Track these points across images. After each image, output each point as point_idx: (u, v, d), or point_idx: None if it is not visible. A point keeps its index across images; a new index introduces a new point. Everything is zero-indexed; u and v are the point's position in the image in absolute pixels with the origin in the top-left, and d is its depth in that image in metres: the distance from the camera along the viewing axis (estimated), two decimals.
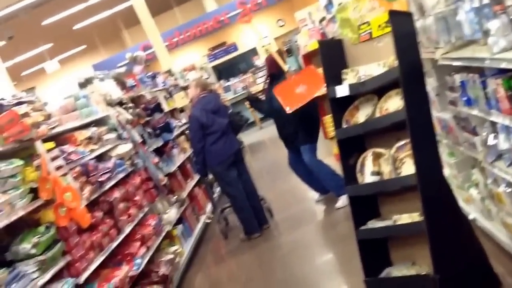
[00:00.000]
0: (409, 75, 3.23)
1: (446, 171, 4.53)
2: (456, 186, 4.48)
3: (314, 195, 6.90)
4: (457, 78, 3.69)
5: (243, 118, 6.72)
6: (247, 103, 6.93)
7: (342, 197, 6.22)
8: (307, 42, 7.91)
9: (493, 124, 3.40)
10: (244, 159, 6.80)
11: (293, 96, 6.17)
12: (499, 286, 3.44)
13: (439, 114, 4.37)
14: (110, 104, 6.10)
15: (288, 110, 6.10)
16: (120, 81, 6.95)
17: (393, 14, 3.27)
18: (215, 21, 19.62)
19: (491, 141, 3.44)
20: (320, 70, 6.16)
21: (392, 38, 3.21)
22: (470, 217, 4.16)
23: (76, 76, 6.32)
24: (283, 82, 6.25)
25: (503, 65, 2.80)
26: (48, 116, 4.56)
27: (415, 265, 3.44)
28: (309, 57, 8.19)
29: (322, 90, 6.19)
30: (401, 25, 3.29)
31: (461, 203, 4.24)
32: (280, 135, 6.63)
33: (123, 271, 4.65)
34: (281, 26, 20.80)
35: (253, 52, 20.25)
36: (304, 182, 6.85)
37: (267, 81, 6.67)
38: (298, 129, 6.31)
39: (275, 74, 6.48)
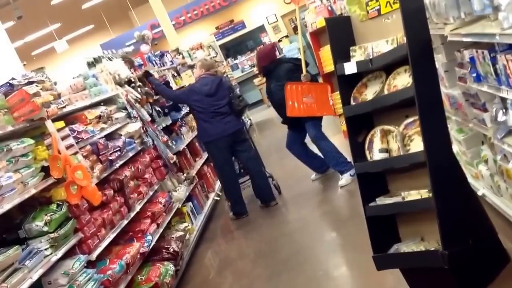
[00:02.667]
0: (417, 51, 3.21)
1: (455, 148, 4.53)
2: (465, 162, 4.48)
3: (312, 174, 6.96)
4: (466, 54, 3.67)
5: (242, 102, 6.62)
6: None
7: (344, 175, 6.29)
8: (315, 19, 7.88)
9: (503, 100, 3.38)
10: (246, 138, 6.80)
11: (299, 102, 6.28)
12: (508, 261, 3.46)
13: (448, 90, 4.35)
14: (119, 83, 6.12)
15: (288, 113, 6.34)
16: (128, 60, 6.96)
17: None
18: None
19: (500, 117, 3.43)
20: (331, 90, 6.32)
21: (401, 14, 3.19)
22: (479, 193, 4.17)
23: (84, 55, 6.34)
24: (298, 82, 6.27)
25: None
26: (58, 96, 4.59)
27: (423, 241, 3.46)
28: (316, 35, 8.17)
29: (324, 113, 6.43)
30: (410, 1, 3.26)
31: (470, 179, 4.25)
32: (284, 121, 6.72)
33: (134, 248, 4.71)
34: (288, 3, 20.64)
35: (261, 29, 20.17)
36: (302, 161, 6.91)
37: (262, 76, 6.78)
38: None
39: (267, 67, 6.51)
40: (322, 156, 6.66)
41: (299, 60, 6.81)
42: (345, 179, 6.29)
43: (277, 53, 6.91)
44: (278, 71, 6.49)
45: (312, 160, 6.83)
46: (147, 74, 6.88)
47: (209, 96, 6.43)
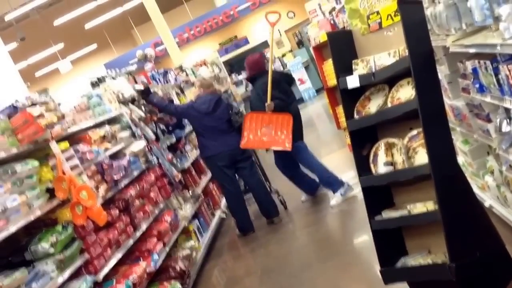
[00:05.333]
0: (420, 63, 3.21)
1: (461, 159, 4.51)
2: (471, 173, 4.46)
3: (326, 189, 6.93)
4: (469, 65, 3.66)
5: (240, 118, 6.60)
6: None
7: (336, 195, 6.33)
8: (318, 34, 7.90)
9: (507, 110, 3.37)
10: (249, 155, 6.81)
11: (255, 135, 6.32)
12: None
13: (452, 101, 4.34)
14: (123, 102, 6.13)
15: (241, 145, 6.35)
16: (132, 79, 6.97)
17: (402, 2, 3.25)
18: (225, 16, 19.63)
19: (505, 127, 3.41)
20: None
21: (402, 27, 3.19)
22: (486, 204, 4.14)
23: (88, 75, 6.36)
24: (259, 112, 6.32)
25: None
26: (62, 116, 4.59)
27: (430, 254, 3.43)
28: (319, 49, 8.18)
29: (280, 147, 6.33)
30: (411, 14, 3.27)
31: (477, 191, 4.23)
32: None
33: (141, 268, 4.68)
34: (291, 18, 20.75)
35: (265, 45, 20.23)
36: (293, 182, 6.92)
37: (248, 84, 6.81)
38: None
39: (253, 77, 6.58)
40: (317, 176, 6.67)
41: (289, 76, 6.90)
42: (335, 199, 6.33)
43: (265, 61, 6.84)
44: (261, 83, 6.45)
45: (302, 181, 6.86)
46: (146, 93, 6.65)
47: (207, 115, 6.45)
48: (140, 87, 6.59)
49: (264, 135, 6.27)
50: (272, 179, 7.49)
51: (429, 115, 3.19)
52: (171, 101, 7.75)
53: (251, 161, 6.81)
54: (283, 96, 6.45)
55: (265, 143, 6.35)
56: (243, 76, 19.20)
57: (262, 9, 19.88)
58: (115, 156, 5.31)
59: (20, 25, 15.17)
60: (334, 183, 6.39)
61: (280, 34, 20.54)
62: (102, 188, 4.70)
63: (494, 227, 3.45)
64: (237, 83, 18.43)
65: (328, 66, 7.86)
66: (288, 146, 6.27)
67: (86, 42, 20.79)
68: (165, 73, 8.99)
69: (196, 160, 7.89)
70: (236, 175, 6.82)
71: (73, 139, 4.82)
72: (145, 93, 6.62)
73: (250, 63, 6.64)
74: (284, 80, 6.70)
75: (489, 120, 3.70)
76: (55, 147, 4.18)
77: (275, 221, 6.63)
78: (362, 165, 3.56)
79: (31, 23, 15.57)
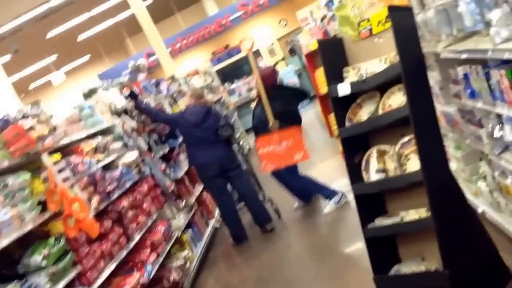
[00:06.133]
0: (411, 70, 3.22)
1: (454, 165, 4.51)
2: (464, 179, 4.45)
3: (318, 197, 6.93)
4: (460, 70, 3.67)
5: (225, 131, 6.57)
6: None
7: (329, 203, 6.36)
8: (310, 41, 7.90)
9: (498, 116, 3.37)
10: (238, 164, 6.82)
11: (272, 155, 6.29)
12: (510, 278, 3.41)
13: (444, 107, 4.34)
14: (115, 113, 6.10)
15: (263, 168, 6.36)
16: (124, 90, 6.94)
17: (392, 9, 3.26)
18: (217, 25, 19.65)
19: (497, 133, 3.42)
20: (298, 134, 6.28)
21: (393, 33, 3.20)
22: (479, 210, 4.14)
23: (81, 87, 6.34)
24: (266, 135, 6.32)
25: (506, 56, 2.79)
26: (54, 129, 4.57)
27: (424, 261, 3.43)
28: (312, 56, 8.18)
29: (299, 158, 6.30)
30: (401, 20, 3.28)
31: (470, 197, 4.22)
32: None
33: (135, 279, 4.65)
34: (284, 26, 20.78)
35: (257, 54, 20.26)
36: (287, 189, 6.90)
37: (257, 99, 6.78)
38: None
39: (268, 91, 6.51)
40: (306, 191, 6.73)
41: (296, 89, 6.90)
42: (329, 206, 6.35)
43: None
44: (277, 96, 6.47)
45: (296, 189, 6.85)
46: (132, 96, 6.63)
47: (196, 126, 6.45)
48: (126, 93, 6.57)
49: (279, 154, 6.28)
50: (266, 188, 7.47)
51: (421, 122, 3.20)
52: (163, 111, 7.72)
53: (241, 170, 6.81)
54: (285, 105, 6.48)
55: (284, 161, 6.33)
56: (236, 85, 19.20)
57: (254, 18, 19.91)
58: (107, 167, 5.29)
59: (14, 37, 15.12)
60: (327, 194, 6.44)
61: (272, 43, 20.58)
62: (95, 199, 4.67)
63: (487, 233, 3.44)
64: (230, 92, 18.42)
65: (320, 74, 7.87)
66: (306, 155, 6.29)
67: (79, 54, 20.76)
68: (157, 84, 8.97)
69: (190, 170, 7.86)
70: (228, 184, 6.81)
71: (65, 151, 4.80)
72: (133, 97, 6.61)
73: (264, 76, 6.57)
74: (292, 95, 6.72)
75: (481, 126, 3.70)
76: (46, 159, 4.15)
77: (268, 228, 6.62)
78: (355, 173, 3.56)
79: (25, 36, 15.52)
